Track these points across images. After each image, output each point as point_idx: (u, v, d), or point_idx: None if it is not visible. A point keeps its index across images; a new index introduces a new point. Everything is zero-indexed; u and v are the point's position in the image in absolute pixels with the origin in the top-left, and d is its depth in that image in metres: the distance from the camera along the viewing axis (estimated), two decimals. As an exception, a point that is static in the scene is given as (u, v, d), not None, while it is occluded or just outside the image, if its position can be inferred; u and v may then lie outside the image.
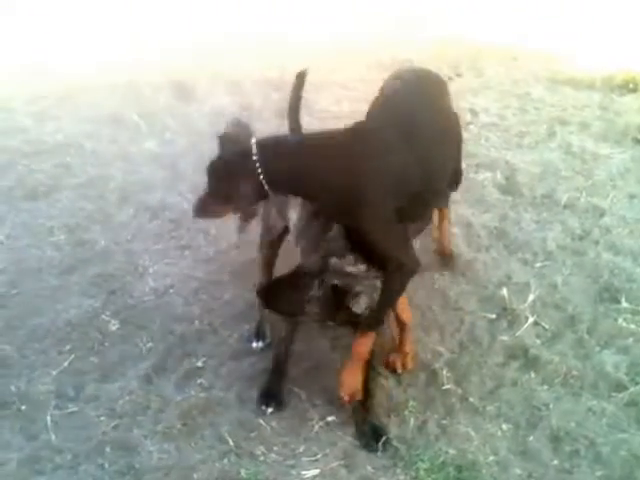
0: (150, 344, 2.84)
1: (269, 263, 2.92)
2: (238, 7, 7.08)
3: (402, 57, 5.75)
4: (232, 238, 3.36)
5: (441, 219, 3.23)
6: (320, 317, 2.35)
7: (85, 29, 6.41)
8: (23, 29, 6.40)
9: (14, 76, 5.34)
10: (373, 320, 2.33)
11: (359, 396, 2.45)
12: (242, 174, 2.18)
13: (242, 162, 2.18)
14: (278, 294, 2.30)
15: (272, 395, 2.58)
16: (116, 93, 5.03)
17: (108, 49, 5.92)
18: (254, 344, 2.87)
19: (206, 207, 2.33)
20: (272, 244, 2.88)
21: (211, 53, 5.76)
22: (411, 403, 2.56)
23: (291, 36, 6.25)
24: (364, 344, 2.37)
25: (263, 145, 2.20)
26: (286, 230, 2.73)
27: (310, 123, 3.31)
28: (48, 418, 2.48)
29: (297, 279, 2.25)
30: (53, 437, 2.41)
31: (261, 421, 2.49)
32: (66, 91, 5.06)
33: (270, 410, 2.53)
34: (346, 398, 2.43)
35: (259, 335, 2.89)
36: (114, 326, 2.93)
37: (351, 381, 2.42)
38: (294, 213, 2.57)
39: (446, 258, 3.31)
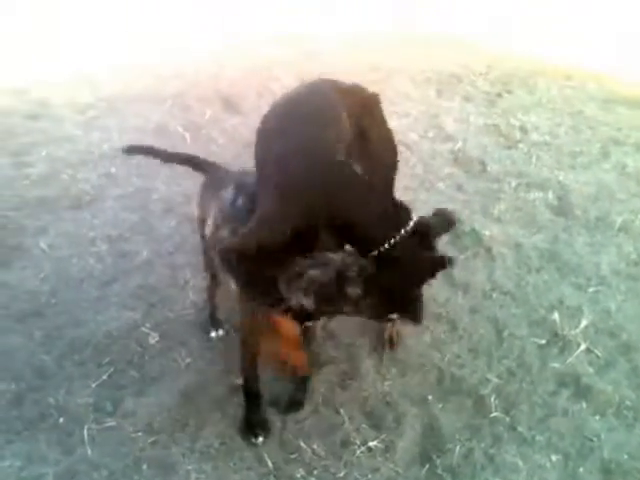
0: (189, 359, 2.79)
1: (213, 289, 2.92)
2: (286, 24, 7.11)
3: (448, 71, 5.73)
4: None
5: None
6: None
7: (137, 41, 6.49)
8: (75, 39, 6.49)
9: (64, 85, 5.40)
10: None
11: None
12: None
13: None
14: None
15: (257, 424, 2.47)
16: (163, 105, 5.05)
17: (158, 61, 5.97)
18: (212, 334, 2.92)
19: None
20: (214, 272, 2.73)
21: (260, 68, 5.77)
22: (457, 430, 2.47)
23: (337, 51, 6.22)
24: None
25: None
26: None
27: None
28: (85, 432, 2.44)
29: None
30: (90, 452, 2.37)
31: (302, 443, 2.42)
32: (114, 101, 5.10)
33: (261, 440, 2.42)
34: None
35: (214, 323, 2.94)
36: (153, 339, 2.89)
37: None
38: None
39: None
